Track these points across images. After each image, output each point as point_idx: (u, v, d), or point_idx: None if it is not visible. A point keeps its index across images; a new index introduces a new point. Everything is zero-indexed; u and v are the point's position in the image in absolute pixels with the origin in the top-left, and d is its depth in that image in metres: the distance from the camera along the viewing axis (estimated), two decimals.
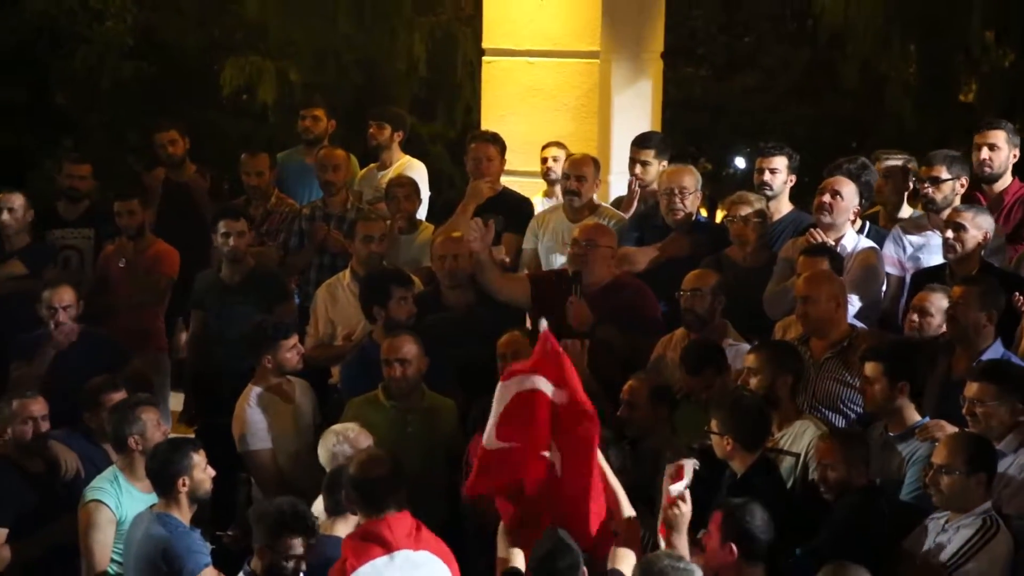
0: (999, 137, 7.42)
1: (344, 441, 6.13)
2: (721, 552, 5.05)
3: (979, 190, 7.40)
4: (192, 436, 7.26)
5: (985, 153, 7.38)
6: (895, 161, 7.72)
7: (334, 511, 5.65)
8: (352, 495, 5.40)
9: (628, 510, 5.08)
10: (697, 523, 5.15)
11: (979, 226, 6.69)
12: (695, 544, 5.07)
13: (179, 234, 8.60)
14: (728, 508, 5.11)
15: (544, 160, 8.45)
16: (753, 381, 6.06)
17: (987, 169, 7.40)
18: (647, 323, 7.01)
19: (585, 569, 4.78)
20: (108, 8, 15.31)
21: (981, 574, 5.15)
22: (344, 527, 5.60)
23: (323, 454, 6.12)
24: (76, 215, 8.73)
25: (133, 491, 6.00)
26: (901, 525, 5.55)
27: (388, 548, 5.16)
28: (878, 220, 7.71)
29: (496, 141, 8.22)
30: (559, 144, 8.46)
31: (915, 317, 6.42)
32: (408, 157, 9.02)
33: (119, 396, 6.49)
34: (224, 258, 7.77)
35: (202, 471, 5.71)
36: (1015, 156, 7.52)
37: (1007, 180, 7.48)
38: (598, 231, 7.14)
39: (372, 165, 9.02)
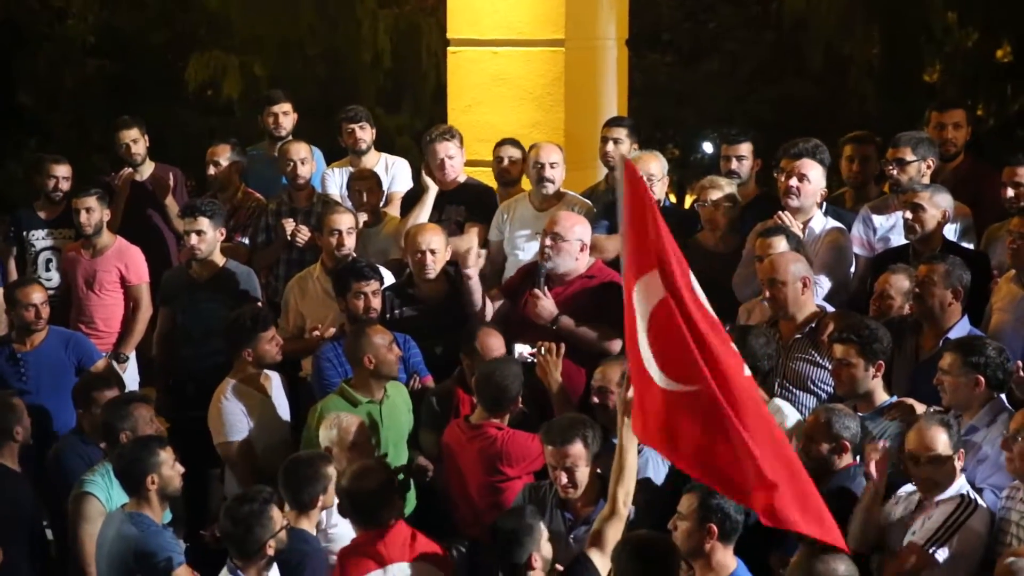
0: (960, 116, 7.50)
1: (334, 426, 6.17)
2: (698, 533, 5.06)
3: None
4: (157, 434, 7.24)
5: (950, 132, 7.43)
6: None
7: (295, 505, 5.61)
8: (347, 507, 5.42)
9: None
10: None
11: (937, 205, 6.72)
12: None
13: (143, 233, 8.55)
14: (702, 491, 5.11)
15: (500, 160, 8.13)
16: None
17: (952, 148, 7.46)
18: (617, 315, 6.98)
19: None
20: (69, 6, 15.21)
21: (961, 551, 5.16)
22: (308, 522, 5.60)
23: (320, 438, 6.19)
24: (55, 215, 8.67)
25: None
26: None
27: (382, 563, 5.22)
28: (843, 202, 7.75)
29: (454, 136, 8.11)
30: (514, 142, 8.19)
31: (877, 301, 6.45)
32: (386, 154, 8.86)
33: (111, 393, 6.58)
34: (191, 255, 7.71)
35: (170, 468, 5.66)
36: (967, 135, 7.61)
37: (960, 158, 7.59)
38: (568, 222, 7.04)
39: (340, 162, 8.92)
